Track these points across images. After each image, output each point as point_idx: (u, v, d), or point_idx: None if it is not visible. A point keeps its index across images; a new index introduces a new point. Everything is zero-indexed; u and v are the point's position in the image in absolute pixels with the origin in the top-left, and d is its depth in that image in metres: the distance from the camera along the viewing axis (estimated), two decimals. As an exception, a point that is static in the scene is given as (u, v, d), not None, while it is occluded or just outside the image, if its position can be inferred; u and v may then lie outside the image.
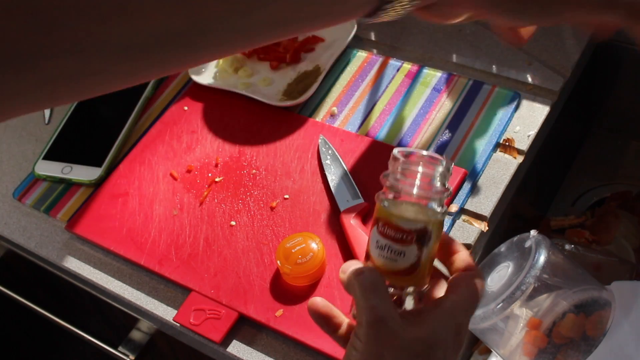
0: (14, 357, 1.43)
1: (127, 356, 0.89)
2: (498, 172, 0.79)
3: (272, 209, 0.79)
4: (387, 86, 0.89)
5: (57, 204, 0.86)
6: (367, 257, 0.50)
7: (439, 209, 0.48)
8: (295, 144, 0.84)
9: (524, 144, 0.80)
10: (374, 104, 0.87)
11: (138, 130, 0.92)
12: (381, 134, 0.84)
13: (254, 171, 0.83)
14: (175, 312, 0.74)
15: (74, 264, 0.81)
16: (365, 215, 0.76)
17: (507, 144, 0.81)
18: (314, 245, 0.72)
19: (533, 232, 0.73)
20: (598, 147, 1.06)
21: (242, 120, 0.88)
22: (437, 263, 0.51)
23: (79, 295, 0.93)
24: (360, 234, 0.73)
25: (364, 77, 0.90)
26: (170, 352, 0.94)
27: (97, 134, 0.92)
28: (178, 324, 0.73)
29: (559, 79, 0.85)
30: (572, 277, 0.70)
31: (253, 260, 0.75)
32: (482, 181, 0.78)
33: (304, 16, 0.40)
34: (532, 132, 0.81)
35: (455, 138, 0.82)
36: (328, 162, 0.81)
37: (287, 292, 0.72)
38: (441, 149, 0.81)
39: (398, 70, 0.90)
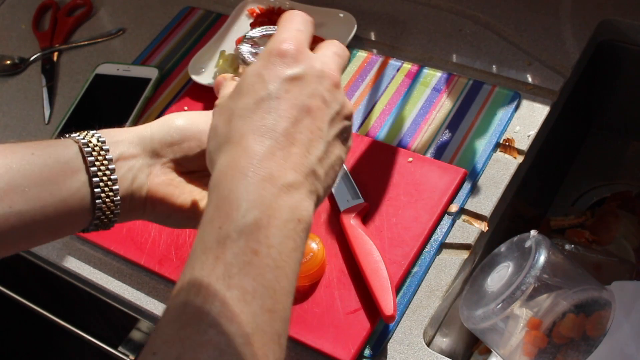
0: (14, 357, 1.43)
1: (127, 356, 0.89)
2: (498, 172, 0.79)
3: (272, 209, 0.79)
4: (387, 86, 0.89)
5: (57, 204, 0.86)
6: None
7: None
8: (295, 144, 0.84)
9: (524, 144, 0.80)
10: (374, 104, 0.87)
11: (138, 130, 0.92)
12: (381, 134, 0.84)
13: (254, 171, 0.83)
14: (175, 312, 0.74)
15: (74, 264, 0.81)
16: (365, 215, 0.76)
17: (507, 144, 0.81)
18: (314, 245, 0.72)
19: (533, 232, 0.73)
20: (598, 147, 1.06)
21: (242, 120, 0.88)
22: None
23: (79, 295, 0.93)
24: (360, 234, 0.73)
25: (364, 77, 0.90)
26: (170, 352, 0.94)
27: (97, 134, 0.92)
28: (178, 324, 0.73)
29: (559, 79, 0.85)
30: (572, 277, 0.70)
31: (253, 260, 0.75)
32: (482, 181, 0.78)
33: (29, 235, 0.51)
34: (532, 132, 0.81)
35: (455, 138, 0.82)
36: (328, 162, 0.81)
37: (287, 292, 0.72)
38: (441, 149, 0.81)
39: (398, 70, 0.90)
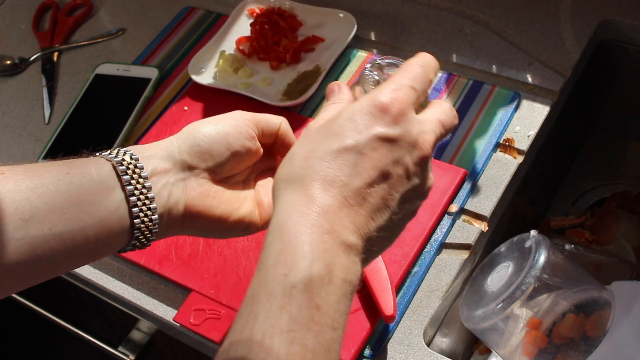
0: (14, 357, 1.43)
1: (127, 356, 0.89)
2: (498, 172, 0.79)
3: (272, 209, 0.79)
4: (387, 86, 0.88)
5: (57, 204, 0.86)
6: None
7: None
8: (295, 144, 0.84)
9: (524, 144, 0.80)
10: (374, 104, 0.87)
11: (138, 130, 0.92)
12: (381, 134, 0.84)
13: (254, 171, 0.83)
14: (175, 312, 0.74)
15: (74, 264, 0.81)
16: (365, 215, 0.76)
17: (507, 144, 0.81)
18: (314, 245, 0.71)
19: (533, 232, 0.73)
20: (598, 147, 1.06)
21: (242, 120, 0.88)
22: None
23: (79, 295, 0.93)
24: (360, 234, 0.73)
25: (364, 77, 0.90)
26: (170, 352, 0.94)
27: (97, 134, 0.92)
28: (178, 324, 0.73)
29: (559, 79, 0.85)
30: (572, 277, 0.70)
31: (253, 260, 0.75)
32: (482, 181, 0.78)
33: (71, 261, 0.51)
34: (532, 132, 0.81)
35: (455, 138, 0.82)
36: (328, 162, 0.81)
37: (287, 292, 0.72)
38: (441, 149, 0.81)
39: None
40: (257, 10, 1.00)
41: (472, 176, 0.78)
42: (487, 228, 0.75)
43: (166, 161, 0.53)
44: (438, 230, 0.75)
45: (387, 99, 0.44)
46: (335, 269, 0.40)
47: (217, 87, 0.91)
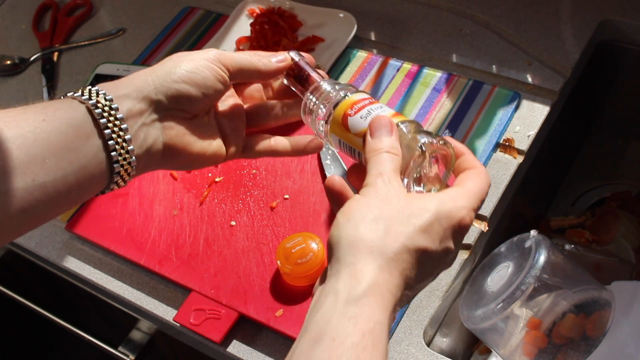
0: (14, 357, 1.43)
1: (127, 356, 0.89)
2: (498, 172, 0.79)
3: (272, 209, 0.79)
4: (387, 86, 0.89)
5: (57, 204, 0.86)
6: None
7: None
8: (295, 144, 0.84)
9: (524, 144, 0.80)
10: (374, 104, 0.87)
11: (138, 130, 0.92)
12: (381, 134, 0.84)
13: (254, 171, 0.83)
14: (175, 312, 0.74)
15: (74, 264, 0.82)
16: (365, 215, 0.76)
17: (507, 144, 0.81)
18: (314, 246, 0.72)
19: (533, 232, 0.73)
20: (598, 147, 1.06)
21: (242, 120, 0.88)
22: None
23: (79, 295, 0.93)
24: (360, 234, 0.73)
25: (364, 77, 0.90)
26: (170, 352, 0.95)
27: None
28: (178, 324, 0.73)
29: (559, 79, 0.85)
30: (572, 277, 0.70)
31: (253, 260, 0.75)
32: (482, 181, 0.78)
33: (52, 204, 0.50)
34: (532, 132, 0.81)
35: (455, 138, 0.82)
36: (328, 162, 0.81)
37: (287, 292, 0.72)
38: (441, 149, 0.81)
39: (398, 70, 0.90)
40: (257, 10, 1.00)
41: (472, 176, 0.78)
42: (487, 228, 0.75)
43: (141, 102, 0.53)
44: (438, 230, 0.75)
45: (469, 221, 0.50)
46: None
47: (217, 87, 0.91)
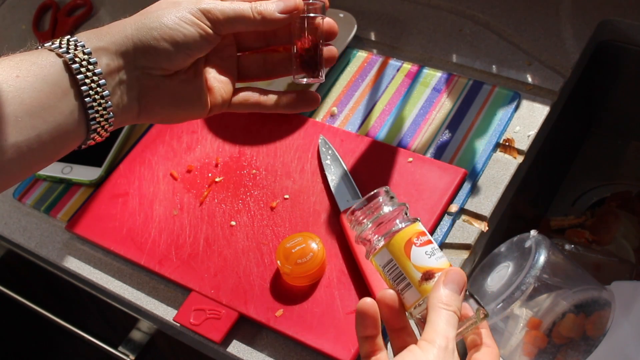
0: (14, 357, 1.43)
1: (127, 356, 0.89)
2: (498, 172, 0.79)
3: (272, 209, 0.79)
4: (387, 86, 0.89)
5: (57, 204, 0.86)
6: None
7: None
8: (295, 144, 0.84)
9: (524, 144, 0.80)
10: (374, 104, 0.87)
11: (138, 130, 0.92)
12: (381, 134, 0.84)
13: (254, 171, 0.83)
14: (175, 312, 0.74)
15: (74, 264, 0.82)
16: (365, 215, 0.76)
17: (507, 144, 0.81)
18: (314, 245, 0.72)
19: (533, 232, 0.73)
20: (598, 147, 1.06)
21: (242, 120, 0.88)
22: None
23: (79, 295, 0.93)
24: (360, 234, 0.73)
25: (364, 77, 0.90)
26: (170, 352, 0.95)
27: (97, 134, 0.92)
28: (178, 324, 0.73)
29: (559, 79, 0.85)
30: (572, 277, 0.70)
31: (253, 260, 0.75)
32: (482, 181, 0.78)
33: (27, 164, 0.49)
34: (532, 132, 0.81)
35: (455, 138, 0.82)
36: (328, 162, 0.81)
37: (287, 292, 0.72)
38: (441, 149, 0.81)
39: (398, 70, 0.90)
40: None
41: (472, 176, 0.78)
42: (487, 228, 0.75)
43: (120, 57, 0.51)
44: (438, 230, 0.75)
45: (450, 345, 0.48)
46: None
47: (217, 87, 0.91)
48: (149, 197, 0.83)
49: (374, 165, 0.80)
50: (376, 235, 0.54)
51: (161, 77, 0.53)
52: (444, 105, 0.85)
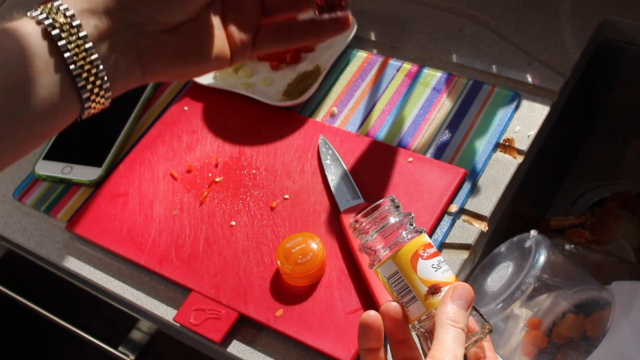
0: (14, 357, 1.43)
1: (127, 356, 0.89)
2: (498, 172, 0.79)
3: (272, 209, 0.79)
4: (387, 86, 0.89)
5: (57, 204, 0.86)
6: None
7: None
8: (295, 144, 0.84)
9: (524, 144, 0.80)
10: (374, 104, 0.87)
11: (138, 130, 0.92)
12: (381, 134, 0.84)
13: (254, 171, 0.83)
14: (175, 312, 0.74)
15: (74, 264, 0.82)
16: (365, 215, 0.76)
17: (507, 144, 0.81)
18: (314, 245, 0.72)
19: (533, 232, 0.73)
20: (598, 147, 1.06)
21: (242, 120, 0.88)
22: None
23: (79, 295, 0.93)
24: (360, 234, 0.73)
25: (364, 77, 0.90)
26: (170, 352, 0.95)
27: (97, 134, 0.92)
28: (178, 324, 0.73)
29: (559, 79, 0.85)
30: (572, 277, 0.70)
31: (253, 260, 0.75)
32: (482, 181, 0.78)
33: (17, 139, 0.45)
34: (532, 132, 0.81)
35: (455, 138, 0.82)
36: (328, 162, 0.81)
37: (287, 292, 0.72)
38: (441, 149, 0.81)
39: (398, 70, 0.90)
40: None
41: (472, 176, 0.78)
42: (487, 228, 0.75)
43: (109, 17, 0.46)
44: (438, 230, 0.75)
45: None
46: None
47: (217, 87, 0.91)
48: (149, 197, 0.83)
49: (374, 165, 0.80)
50: (381, 246, 0.53)
51: (159, 33, 0.48)
52: (444, 105, 0.85)
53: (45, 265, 0.86)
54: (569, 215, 0.97)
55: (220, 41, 0.51)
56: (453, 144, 0.81)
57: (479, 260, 0.77)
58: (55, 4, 0.45)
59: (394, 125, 0.85)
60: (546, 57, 0.87)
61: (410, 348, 0.52)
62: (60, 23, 0.44)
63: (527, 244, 0.72)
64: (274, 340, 0.72)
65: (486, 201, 0.77)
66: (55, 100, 0.45)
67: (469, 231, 0.75)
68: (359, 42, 0.95)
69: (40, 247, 0.84)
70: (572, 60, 0.87)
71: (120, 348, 0.91)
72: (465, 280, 0.75)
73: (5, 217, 0.88)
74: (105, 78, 0.46)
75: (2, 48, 0.44)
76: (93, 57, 0.45)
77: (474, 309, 0.52)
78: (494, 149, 0.80)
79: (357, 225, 0.54)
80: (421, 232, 0.53)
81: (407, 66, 0.90)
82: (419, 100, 0.86)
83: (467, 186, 0.78)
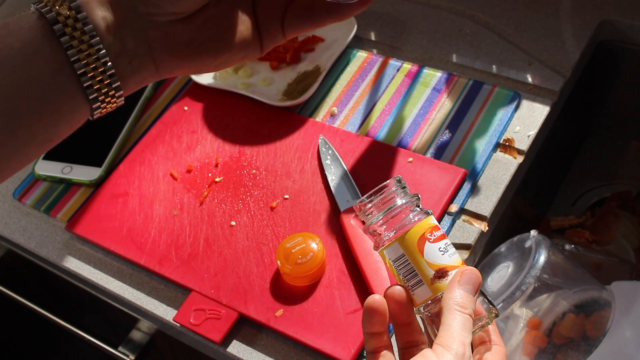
0: (14, 357, 1.43)
1: (127, 356, 0.89)
2: (498, 172, 0.79)
3: (272, 209, 0.79)
4: (387, 86, 0.89)
5: (57, 204, 0.86)
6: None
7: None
8: (295, 144, 0.84)
9: (524, 144, 0.80)
10: (374, 104, 0.87)
11: (138, 130, 0.92)
12: (381, 134, 0.84)
13: (254, 171, 0.83)
14: (175, 312, 0.74)
15: (74, 264, 0.82)
16: (365, 215, 0.76)
17: (507, 144, 0.81)
18: (314, 245, 0.72)
19: (533, 232, 0.73)
20: (598, 147, 1.06)
21: (242, 120, 0.88)
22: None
23: (79, 295, 0.93)
24: (360, 234, 0.73)
25: (364, 77, 0.90)
26: (170, 352, 0.94)
27: (97, 134, 0.92)
28: (178, 324, 0.73)
29: (559, 79, 0.85)
30: (572, 277, 0.70)
31: (253, 260, 0.75)
32: (482, 181, 0.78)
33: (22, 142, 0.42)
34: (532, 132, 0.81)
35: (455, 138, 0.82)
36: (328, 162, 0.81)
37: (287, 292, 0.72)
38: (441, 149, 0.81)
39: (398, 70, 0.90)
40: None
41: (472, 176, 0.78)
42: (487, 228, 0.75)
43: (116, 8, 0.42)
44: (438, 230, 0.75)
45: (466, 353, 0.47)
46: None
47: (217, 87, 0.91)
48: (149, 197, 0.83)
49: (374, 165, 0.80)
50: (387, 228, 0.52)
51: (170, 23, 0.44)
52: (444, 105, 0.85)
53: (45, 265, 0.86)
54: (569, 215, 0.97)
55: (246, 28, 0.46)
56: (453, 144, 0.81)
57: (479, 260, 0.77)
58: None
59: (394, 125, 0.85)
60: (546, 57, 0.87)
61: (415, 331, 0.52)
62: (64, 16, 0.41)
63: (527, 244, 0.72)
64: (274, 340, 0.72)
65: (486, 201, 0.77)
66: (59, 102, 0.42)
67: (469, 231, 0.75)
68: (359, 42, 0.95)
69: (40, 247, 0.84)
70: (572, 60, 0.87)
71: (120, 348, 0.91)
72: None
73: (5, 217, 0.88)
74: (115, 76, 0.43)
75: (1, 46, 0.41)
76: (100, 53, 0.41)
77: (481, 292, 0.51)
78: (494, 149, 0.80)
79: (363, 207, 0.52)
80: (428, 214, 0.52)
81: (407, 66, 0.90)
82: (419, 100, 0.86)
83: (467, 186, 0.78)
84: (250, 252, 0.76)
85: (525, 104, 0.84)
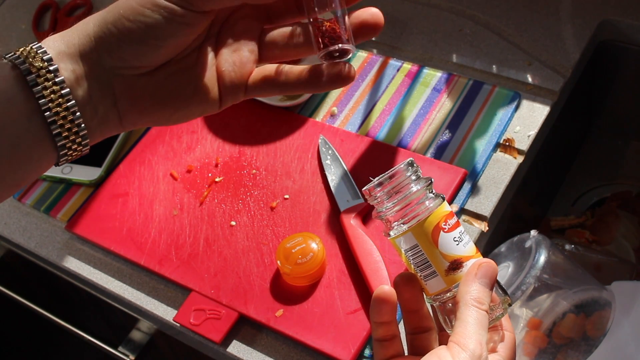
0: (14, 357, 1.43)
1: (127, 356, 0.89)
2: (498, 172, 0.79)
3: (272, 209, 0.79)
4: (387, 86, 0.89)
5: (57, 204, 0.86)
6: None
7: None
8: (296, 144, 0.84)
9: (524, 144, 0.80)
10: (374, 104, 0.87)
11: (138, 130, 0.92)
12: (381, 134, 0.84)
13: (254, 171, 0.83)
14: (175, 312, 0.74)
15: (74, 264, 0.82)
16: (365, 216, 0.76)
17: (507, 144, 0.81)
18: (314, 245, 0.72)
19: (533, 232, 0.73)
20: (598, 147, 1.06)
21: (242, 120, 0.88)
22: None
23: (79, 295, 0.93)
24: (360, 234, 0.73)
25: (364, 77, 0.90)
26: (170, 352, 0.95)
27: (97, 134, 0.92)
28: (178, 324, 0.73)
29: (559, 79, 0.85)
30: (572, 277, 0.70)
31: (253, 260, 0.75)
32: (482, 181, 0.78)
33: None
34: (532, 132, 0.81)
35: (455, 138, 0.82)
36: (328, 162, 0.81)
37: (287, 292, 0.72)
38: (441, 149, 0.81)
39: (398, 70, 0.90)
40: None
41: (472, 176, 0.78)
42: (487, 228, 0.75)
43: (85, 61, 0.44)
44: (438, 230, 0.75)
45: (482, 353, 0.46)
46: None
47: (217, 87, 0.91)
48: (149, 197, 0.83)
49: (374, 165, 0.80)
50: (399, 216, 0.49)
51: (135, 77, 0.45)
52: (444, 105, 0.85)
53: (45, 265, 0.86)
54: (569, 215, 0.97)
55: (208, 85, 0.47)
56: (453, 144, 0.81)
57: (479, 260, 0.77)
58: (34, 46, 0.44)
59: (394, 125, 0.85)
60: (546, 57, 0.87)
61: (424, 317, 0.51)
62: (36, 67, 0.43)
63: (527, 244, 0.72)
64: (274, 340, 0.72)
65: (486, 201, 0.77)
66: (29, 148, 0.43)
67: (469, 231, 0.75)
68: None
69: (40, 247, 0.84)
70: (572, 60, 0.87)
71: (120, 348, 0.91)
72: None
73: (5, 217, 0.88)
74: (83, 125, 0.44)
75: None
76: (69, 103, 0.43)
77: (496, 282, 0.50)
78: (494, 149, 0.80)
79: (374, 193, 0.49)
80: (442, 199, 0.49)
81: (407, 66, 0.90)
82: (419, 100, 0.86)
83: (467, 186, 0.77)
84: (250, 252, 0.76)
85: (525, 104, 0.84)
